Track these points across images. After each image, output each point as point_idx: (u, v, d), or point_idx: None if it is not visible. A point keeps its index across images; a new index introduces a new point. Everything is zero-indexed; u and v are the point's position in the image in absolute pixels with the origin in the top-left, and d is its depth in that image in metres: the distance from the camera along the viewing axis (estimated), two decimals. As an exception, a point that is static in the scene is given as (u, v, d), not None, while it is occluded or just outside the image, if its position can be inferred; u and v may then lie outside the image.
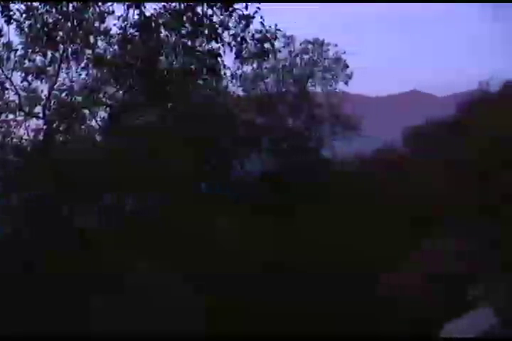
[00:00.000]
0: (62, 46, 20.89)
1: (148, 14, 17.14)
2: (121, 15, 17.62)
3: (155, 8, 17.24)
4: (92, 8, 19.21)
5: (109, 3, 18.53)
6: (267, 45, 18.96)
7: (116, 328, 21.69)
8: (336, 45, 35.08)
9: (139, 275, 23.32)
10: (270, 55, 20.29)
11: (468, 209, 22.05)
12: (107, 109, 25.99)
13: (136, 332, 21.57)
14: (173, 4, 17.39)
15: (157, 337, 22.05)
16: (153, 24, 17.61)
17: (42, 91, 24.87)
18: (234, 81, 31.47)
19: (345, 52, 35.15)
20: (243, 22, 17.48)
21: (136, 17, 17.08)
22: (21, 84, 24.02)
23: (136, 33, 17.90)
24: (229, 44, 17.88)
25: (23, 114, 25.20)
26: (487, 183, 22.07)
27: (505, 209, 20.12)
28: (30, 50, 21.90)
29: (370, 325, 22.35)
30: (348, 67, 35.29)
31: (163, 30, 18.14)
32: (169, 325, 22.18)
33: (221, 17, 17.31)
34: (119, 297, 22.62)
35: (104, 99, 25.36)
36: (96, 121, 26.50)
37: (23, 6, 17.60)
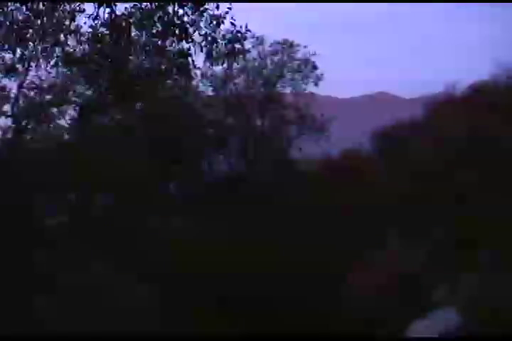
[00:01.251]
0: (31, 44, 20.81)
1: (118, 13, 17.17)
2: (92, 14, 17.61)
3: (126, 7, 17.27)
4: (62, 7, 19.16)
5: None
6: (237, 46, 19.03)
7: (66, 329, 21.55)
8: (305, 47, 35.29)
9: (93, 275, 23.26)
10: (240, 56, 20.33)
11: (430, 208, 22.32)
12: (76, 107, 25.95)
13: (87, 333, 21.44)
14: (144, 3, 17.44)
15: (111, 337, 21.96)
16: (123, 23, 17.62)
17: (11, 89, 24.80)
18: (204, 81, 31.54)
19: (314, 54, 35.35)
20: (214, 22, 17.56)
21: (107, 16, 17.09)
22: (-10, 82, 23.93)
23: (107, 32, 17.90)
24: (199, 44, 17.95)
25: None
26: (447, 183, 22.38)
27: (466, 209, 20.41)
28: (-1, 48, 21.78)
29: (330, 324, 22.51)
30: (316, 68, 35.49)
31: (133, 30, 18.15)
32: (123, 326, 22.12)
33: (192, 17, 17.38)
34: (70, 297, 22.53)
35: (73, 98, 25.33)
36: (65, 119, 26.45)
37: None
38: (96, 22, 17.75)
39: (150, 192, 29.15)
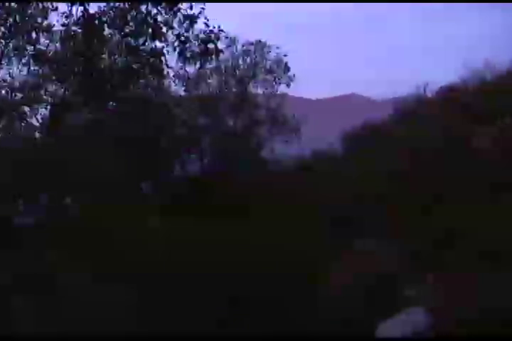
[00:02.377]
0: (3, 42, 20.69)
1: (92, 12, 17.17)
2: (65, 12, 17.59)
3: (99, 6, 17.27)
4: (35, 4, 19.10)
5: None
6: (210, 46, 19.07)
7: (43, 329, 21.44)
8: (278, 47, 35.32)
9: (69, 275, 23.17)
10: (213, 56, 20.36)
11: (402, 208, 22.48)
12: (48, 106, 25.79)
13: (64, 333, 21.35)
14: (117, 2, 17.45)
15: (87, 337, 21.88)
16: (96, 22, 17.61)
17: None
18: (176, 81, 31.50)
19: (286, 55, 35.42)
20: (187, 22, 17.61)
21: (80, 14, 17.10)
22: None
23: (79, 31, 17.88)
24: (172, 44, 17.98)
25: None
26: (413, 184, 22.58)
27: (438, 209, 20.59)
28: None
29: (303, 324, 22.56)
30: (289, 69, 35.57)
31: (106, 29, 18.15)
32: (100, 325, 22.05)
33: (165, 16, 17.43)
34: (47, 297, 22.42)
35: (44, 97, 25.16)
36: (36, 118, 26.27)
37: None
38: (69, 20, 17.75)
39: (123, 193, 29.10)
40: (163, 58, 18.02)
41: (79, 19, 17.28)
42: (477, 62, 28.83)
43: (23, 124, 26.04)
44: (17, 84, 24.52)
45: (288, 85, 35.77)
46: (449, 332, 15.43)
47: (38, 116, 26.18)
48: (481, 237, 17.56)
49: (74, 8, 17.05)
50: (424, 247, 20.90)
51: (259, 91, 36.48)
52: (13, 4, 18.19)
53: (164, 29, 17.41)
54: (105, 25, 17.61)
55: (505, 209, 17.51)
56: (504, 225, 16.93)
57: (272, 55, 35.46)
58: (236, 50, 35.29)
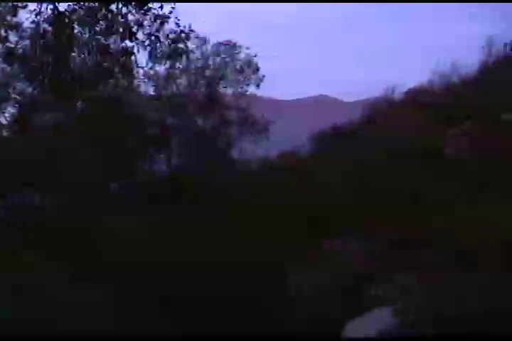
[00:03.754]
0: (-29, 39, 20.46)
1: (62, 10, 17.00)
2: (35, 10, 17.41)
3: (69, 4, 17.11)
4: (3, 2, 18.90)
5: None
6: (180, 46, 19.03)
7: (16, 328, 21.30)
8: (248, 48, 35.37)
9: (41, 274, 23.02)
10: (183, 56, 20.34)
11: (367, 210, 22.62)
12: (16, 105, 25.61)
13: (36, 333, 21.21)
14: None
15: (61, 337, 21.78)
16: (66, 20, 17.46)
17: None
18: (146, 80, 31.43)
19: (256, 55, 35.49)
20: (158, 21, 17.53)
21: (50, 12, 16.92)
22: None
23: (49, 28, 17.71)
24: (143, 43, 17.89)
25: None
26: (388, 184, 22.74)
27: (406, 209, 20.74)
28: None
29: (271, 324, 22.60)
30: (259, 70, 35.63)
31: (76, 27, 17.99)
32: (73, 326, 21.95)
33: (136, 15, 17.31)
34: (20, 297, 22.27)
35: (13, 95, 24.98)
36: (4, 117, 26.07)
37: None
38: (38, 18, 17.57)
39: (92, 193, 28.97)
40: (133, 57, 17.91)
41: (49, 17, 17.10)
42: (445, 66, 29.13)
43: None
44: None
45: (258, 86, 35.86)
46: (417, 332, 15.56)
47: (6, 114, 26.02)
48: (451, 238, 17.73)
49: (44, 6, 16.87)
50: (391, 247, 21.05)
51: (229, 91, 36.52)
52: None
53: (135, 28, 17.29)
54: (75, 23, 17.44)
55: (474, 210, 17.69)
56: (480, 225, 17.10)
57: (242, 55, 35.55)
58: (206, 50, 35.31)
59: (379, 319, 17.12)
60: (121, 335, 22.15)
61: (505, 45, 26.77)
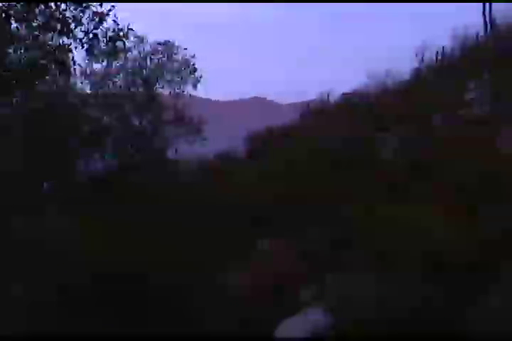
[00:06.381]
0: None
1: (-2, 4, 16.91)
2: (-30, 4, 17.26)
3: None
4: None
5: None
6: (118, 44, 19.06)
7: None
8: (186, 49, 35.42)
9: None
10: (121, 54, 20.36)
11: (303, 209, 22.88)
12: None
13: None
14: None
15: None
16: (3, 15, 17.38)
17: None
18: (83, 78, 31.22)
19: (194, 56, 35.56)
20: (96, 19, 17.56)
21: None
22: None
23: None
24: (80, 40, 17.88)
25: None
26: (319, 184, 23.04)
27: (336, 209, 21.05)
28: None
29: (202, 324, 22.66)
30: (196, 70, 35.70)
31: (13, 22, 17.91)
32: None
33: (74, 12, 17.32)
34: None
35: None
36: None
37: None
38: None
39: (23, 192, 28.62)
40: (70, 54, 17.88)
41: (-15, 12, 17.00)
42: (380, 71, 29.62)
43: None
44: None
45: (195, 86, 35.94)
46: (348, 332, 15.78)
47: None
48: (379, 237, 18.05)
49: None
50: (321, 247, 21.30)
51: (166, 91, 36.50)
52: None
53: (72, 25, 17.29)
54: (12, 18, 17.36)
55: (402, 210, 18.06)
56: (400, 226, 17.46)
57: (180, 55, 35.56)
58: (144, 50, 35.23)
59: (310, 319, 17.26)
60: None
61: (437, 53, 27.53)
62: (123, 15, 18.56)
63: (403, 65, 28.17)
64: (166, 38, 35.77)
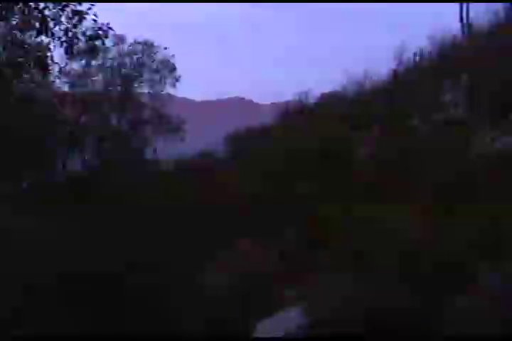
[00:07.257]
0: None
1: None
2: None
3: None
4: None
5: None
6: (97, 43, 19.02)
7: None
8: (166, 48, 35.41)
9: None
10: (100, 53, 20.32)
11: (281, 209, 22.93)
12: None
13: None
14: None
15: None
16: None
17: None
18: (61, 77, 31.09)
19: (173, 55, 35.56)
20: (76, 18, 17.51)
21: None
22: None
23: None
24: (59, 39, 17.82)
25: None
26: (297, 185, 23.11)
27: (313, 209, 21.11)
28: None
29: (179, 324, 22.63)
30: (175, 69, 35.70)
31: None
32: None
33: (53, 10, 17.26)
34: None
35: None
36: None
37: None
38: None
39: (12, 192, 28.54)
40: (49, 53, 17.83)
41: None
42: (357, 72, 29.67)
43: None
44: None
45: (173, 86, 35.93)
46: (326, 332, 15.79)
47: None
48: (356, 237, 18.13)
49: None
50: (298, 247, 21.35)
51: (145, 91, 36.46)
52: None
53: (51, 23, 17.23)
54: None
55: (379, 210, 18.15)
56: (377, 225, 17.55)
57: (159, 55, 35.53)
58: (123, 49, 35.16)
59: (289, 319, 17.30)
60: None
61: (415, 54, 27.61)
62: (102, 14, 18.53)
63: (381, 65, 28.19)
64: (145, 38, 35.82)
